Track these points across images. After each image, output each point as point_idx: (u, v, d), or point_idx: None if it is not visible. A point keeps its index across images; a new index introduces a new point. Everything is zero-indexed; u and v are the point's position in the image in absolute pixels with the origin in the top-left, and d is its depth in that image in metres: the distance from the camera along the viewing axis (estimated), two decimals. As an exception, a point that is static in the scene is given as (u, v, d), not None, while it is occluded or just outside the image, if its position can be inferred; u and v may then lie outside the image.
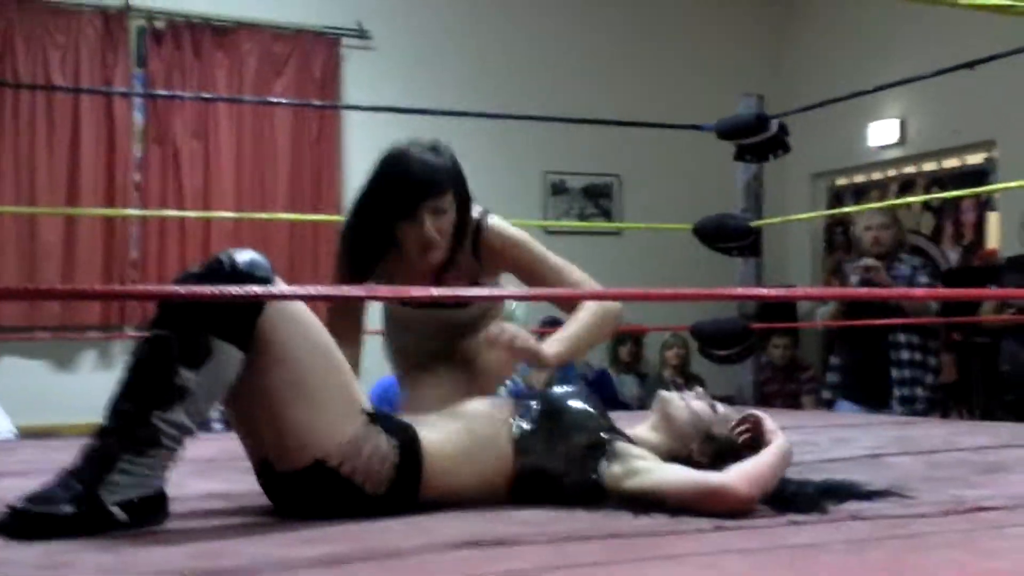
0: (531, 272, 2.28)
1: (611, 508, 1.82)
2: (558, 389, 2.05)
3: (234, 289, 1.61)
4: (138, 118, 6.27)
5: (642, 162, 7.31)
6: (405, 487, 1.83)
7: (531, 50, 7.16)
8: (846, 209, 7.11)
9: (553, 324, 5.40)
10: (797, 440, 2.63)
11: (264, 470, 1.84)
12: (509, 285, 2.48)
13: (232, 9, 6.44)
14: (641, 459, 1.89)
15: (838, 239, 7.69)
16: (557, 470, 1.90)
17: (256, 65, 6.49)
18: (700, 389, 2.13)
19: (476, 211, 2.26)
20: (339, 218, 6.42)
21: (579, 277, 2.28)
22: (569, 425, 1.94)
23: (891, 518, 1.74)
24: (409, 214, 2.13)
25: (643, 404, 6.00)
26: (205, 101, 6.23)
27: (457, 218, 2.19)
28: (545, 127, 6.31)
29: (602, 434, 1.93)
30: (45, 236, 5.97)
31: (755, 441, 1.97)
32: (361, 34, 6.71)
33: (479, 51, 7.02)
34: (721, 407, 2.08)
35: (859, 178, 7.60)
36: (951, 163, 6.90)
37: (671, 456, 1.98)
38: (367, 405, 1.86)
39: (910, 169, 7.17)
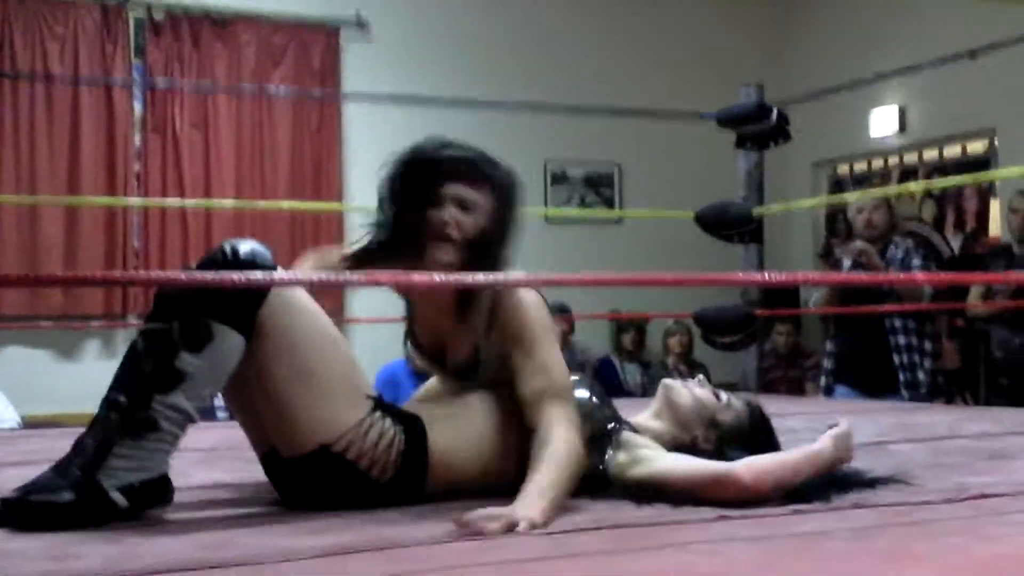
0: (521, 348, 1.92)
1: (615, 498, 1.82)
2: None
3: (235, 275, 1.61)
4: (137, 108, 6.26)
5: (643, 150, 7.29)
6: (411, 474, 1.83)
7: (531, 39, 7.14)
8: (847, 196, 7.09)
9: (561, 311, 5.38)
10: (799, 427, 2.64)
11: (270, 458, 1.84)
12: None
13: (231, 0, 6.43)
14: (646, 448, 1.89)
15: (840, 227, 7.68)
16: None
17: (255, 56, 6.47)
18: (702, 377, 2.13)
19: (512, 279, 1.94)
20: (340, 207, 6.49)
21: (558, 386, 1.89)
22: (574, 415, 1.93)
23: (895, 506, 1.74)
24: (433, 194, 1.91)
25: (646, 392, 6.00)
26: (204, 93, 6.23)
27: (487, 235, 1.93)
28: (545, 116, 6.29)
29: (607, 424, 1.93)
30: (46, 227, 5.96)
31: None
32: (360, 24, 6.70)
33: (479, 40, 7.00)
34: (724, 394, 2.08)
35: (860, 166, 7.58)
36: (952, 151, 6.88)
37: (675, 443, 1.99)
38: (372, 392, 1.86)
39: (911, 157, 7.16)
